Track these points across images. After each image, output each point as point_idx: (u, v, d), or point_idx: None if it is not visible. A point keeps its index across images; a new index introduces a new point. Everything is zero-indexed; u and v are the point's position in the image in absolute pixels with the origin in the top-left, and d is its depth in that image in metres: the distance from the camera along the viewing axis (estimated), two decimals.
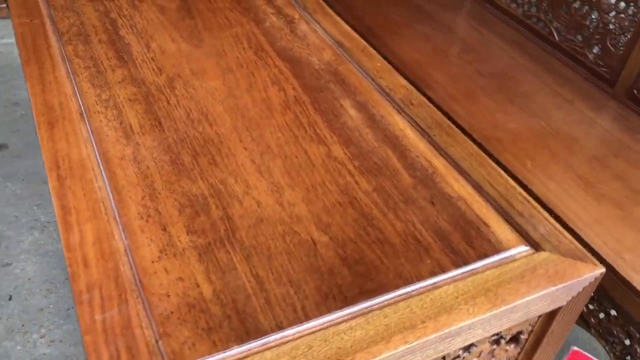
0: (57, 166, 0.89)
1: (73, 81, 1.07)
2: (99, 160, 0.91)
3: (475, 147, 0.98)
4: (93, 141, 0.94)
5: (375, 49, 1.48)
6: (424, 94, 1.43)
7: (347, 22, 1.34)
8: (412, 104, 1.09)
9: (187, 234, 0.80)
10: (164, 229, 0.81)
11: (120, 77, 1.09)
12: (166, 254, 0.77)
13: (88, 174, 0.88)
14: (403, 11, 1.92)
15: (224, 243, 0.79)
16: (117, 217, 0.82)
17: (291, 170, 0.92)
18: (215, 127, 1.00)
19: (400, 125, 1.04)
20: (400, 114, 1.06)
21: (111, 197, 0.85)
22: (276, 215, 0.84)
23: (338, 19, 1.35)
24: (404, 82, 1.16)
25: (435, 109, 1.08)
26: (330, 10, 1.38)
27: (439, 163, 0.95)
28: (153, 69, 1.12)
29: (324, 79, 1.15)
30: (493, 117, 1.49)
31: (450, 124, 1.04)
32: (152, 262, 0.76)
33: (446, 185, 0.91)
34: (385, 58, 1.44)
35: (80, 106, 1.01)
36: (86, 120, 0.99)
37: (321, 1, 1.41)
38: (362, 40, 1.28)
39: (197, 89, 1.08)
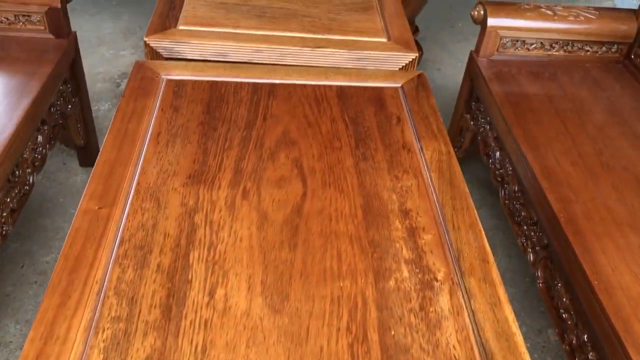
0: None
1: (86, 344, 0.78)
2: None
3: None
4: None
5: (573, 253, 1.15)
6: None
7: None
8: None
9: None
10: None
11: (146, 353, 0.77)
12: None
13: None
14: (631, 200, 1.32)
15: None
16: None
17: None
18: None
19: None
20: None
21: None
22: None
23: (506, 297, 0.89)
24: None
25: None
26: (497, 276, 0.92)
27: None
28: (196, 348, 0.78)
29: None
30: None
31: None
32: None
33: None
34: (583, 277, 1.10)
35: None
36: None
37: (490, 255, 0.96)
38: (525, 354, 0.80)
39: None
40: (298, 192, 1.04)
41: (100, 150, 1.10)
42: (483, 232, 1.00)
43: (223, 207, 1.00)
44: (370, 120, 1.21)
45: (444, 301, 0.88)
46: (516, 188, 1.54)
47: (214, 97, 1.24)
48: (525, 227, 1.50)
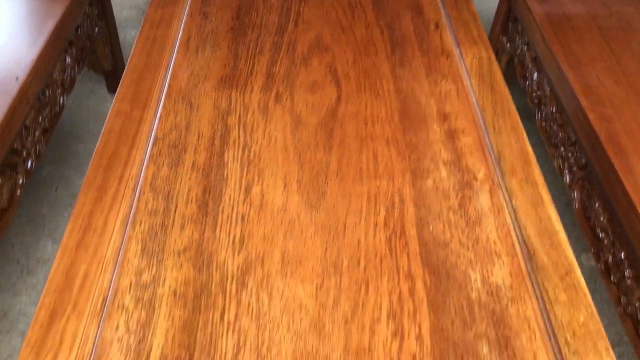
0: None
1: (124, 235, 0.78)
2: None
3: None
4: None
5: (613, 171, 1.11)
6: None
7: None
8: None
9: None
10: None
11: (184, 244, 0.77)
12: None
13: None
14: None
15: None
16: None
17: None
18: None
19: None
20: None
21: None
22: None
23: (548, 196, 0.86)
24: None
25: None
26: (540, 176, 0.89)
27: None
28: (233, 240, 0.78)
29: (477, 327, 0.70)
30: None
31: None
32: None
33: None
34: (624, 194, 1.07)
35: (106, 289, 0.72)
36: (100, 319, 0.68)
37: (532, 155, 0.92)
38: (571, 256, 0.78)
39: (274, 299, 0.71)
40: (332, 96, 1.01)
41: (129, 57, 1.08)
42: (525, 135, 0.96)
43: (256, 110, 0.98)
44: (407, 27, 1.17)
45: (484, 200, 0.85)
46: (554, 109, 1.49)
47: (244, 3, 1.20)
48: (562, 149, 1.45)
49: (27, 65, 1.28)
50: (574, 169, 1.39)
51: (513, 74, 1.74)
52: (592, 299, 0.74)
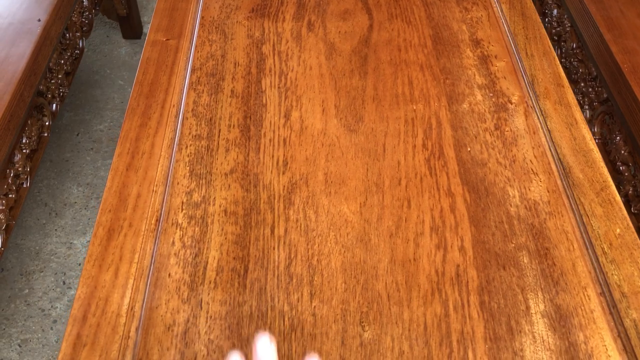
0: (83, 313, 0.64)
1: (172, 158, 0.80)
2: (138, 321, 0.64)
3: None
4: (148, 282, 0.67)
5: (636, 103, 1.12)
6: None
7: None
8: None
9: None
10: None
11: (230, 166, 0.79)
12: None
13: (110, 344, 0.62)
14: None
15: None
16: None
17: None
18: (317, 305, 0.66)
19: None
20: None
21: None
22: None
23: (582, 117, 0.87)
24: None
25: None
26: (573, 98, 0.90)
27: None
28: (277, 162, 0.80)
29: (517, 240, 0.72)
30: None
31: None
32: None
33: None
34: None
35: (159, 208, 0.74)
36: (156, 238, 0.71)
37: (564, 79, 0.93)
38: (605, 173, 0.80)
39: (320, 215, 0.74)
40: (364, 24, 1.02)
41: None
42: (557, 59, 0.97)
43: (290, 39, 0.98)
44: None
45: (519, 121, 0.87)
46: (575, 45, 1.48)
47: None
48: (582, 84, 1.45)
49: (47, 6, 1.28)
50: (595, 103, 1.39)
51: None
52: None
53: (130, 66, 2.09)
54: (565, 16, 1.51)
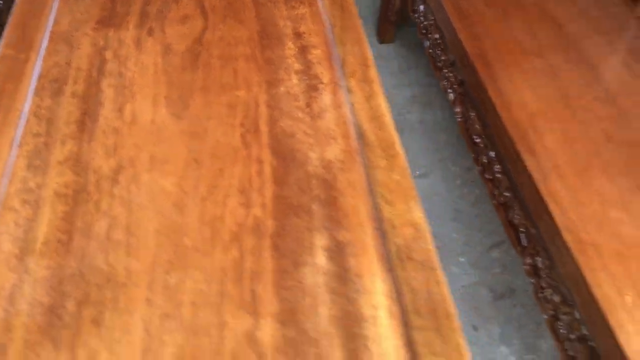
0: None
1: (12, 155, 0.90)
2: None
3: None
4: None
5: (480, 81, 1.28)
6: (519, 160, 1.11)
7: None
8: (409, 258, 0.77)
9: None
10: None
11: (65, 156, 0.90)
12: None
13: None
14: (539, 32, 1.45)
15: None
16: None
17: None
18: (131, 261, 0.77)
19: (375, 300, 0.73)
20: (386, 281, 0.75)
21: None
22: None
23: (380, 90, 1.02)
24: (419, 216, 0.83)
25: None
26: (375, 75, 1.05)
27: None
28: (107, 149, 0.91)
29: (311, 192, 0.85)
30: (605, 213, 1.03)
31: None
32: None
33: None
34: (488, 99, 1.23)
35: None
36: None
37: (370, 60, 1.08)
38: (393, 133, 0.94)
39: (141, 189, 0.86)
40: (200, 26, 1.14)
41: (13, 7, 1.18)
42: (367, 45, 1.11)
43: (130, 44, 1.10)
44: None
45: (327, 98, 1.00)
46: (437, 36, 1.65)
47: None
48: (445, 70, 1.62)
49: None
50: (455, 86, 1.56)
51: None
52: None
53: None
54: (429, 11, 1.69)
